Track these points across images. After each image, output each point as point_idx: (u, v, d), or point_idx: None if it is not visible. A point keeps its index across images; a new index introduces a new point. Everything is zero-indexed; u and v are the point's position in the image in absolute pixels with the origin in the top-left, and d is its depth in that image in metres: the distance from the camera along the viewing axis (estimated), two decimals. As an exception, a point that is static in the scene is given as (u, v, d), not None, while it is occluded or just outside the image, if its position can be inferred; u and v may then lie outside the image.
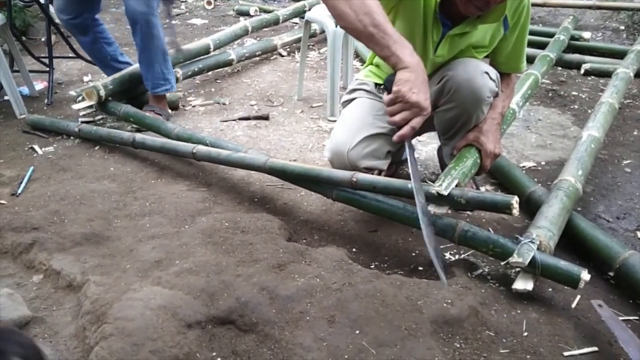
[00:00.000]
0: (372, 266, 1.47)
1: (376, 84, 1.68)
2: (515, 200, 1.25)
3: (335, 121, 2.46)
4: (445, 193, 1.30)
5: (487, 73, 1.44)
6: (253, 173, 1.94)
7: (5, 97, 2.65)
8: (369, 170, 1.55)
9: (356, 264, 1.40)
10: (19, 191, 1.83)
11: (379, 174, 1.90)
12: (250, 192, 1.88)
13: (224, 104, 2.74)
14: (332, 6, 1.23)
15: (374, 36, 1.17)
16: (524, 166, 2.03)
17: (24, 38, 3.47)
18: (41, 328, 1.23)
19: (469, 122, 1.50)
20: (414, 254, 1.52)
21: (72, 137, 2.31)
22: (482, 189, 1.86)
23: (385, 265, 1.48)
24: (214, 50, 3.01)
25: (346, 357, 1.08)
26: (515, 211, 1.26)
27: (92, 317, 1.19)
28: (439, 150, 1.92)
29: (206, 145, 1.92)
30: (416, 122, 1.18)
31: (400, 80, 1.16)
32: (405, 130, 1.19)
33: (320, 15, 2.44)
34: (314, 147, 2.26)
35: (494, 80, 1.46)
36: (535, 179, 1.83)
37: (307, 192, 1.83)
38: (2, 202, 1.77)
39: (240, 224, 1.62)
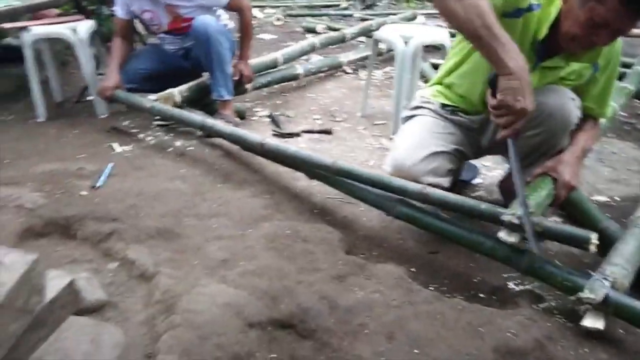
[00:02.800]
0: (431, 288, 1.46)
1: (443, 105, 1.69)
2: (595, 237, 1.22)
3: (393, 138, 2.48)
4: (518, 222, 1.27)
5: (574, 100, 1.43)
6: (315, 184, 1.98)
7: (89, 98, 2.87)
8: (431, 185, 1.54)
9: (416, 283, 1.39)
10: (99, 184, 1.97)
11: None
12: (311, 203, 1.91)
13: (288, 116, 2.83)
14: (443, 6, 1.24)
15: (482, 38, 1.18)
16: (596, 200, 1.95)
17: (108, 44, 3.74)
18: (114, 313, 1.31)
19: (552, 148, 1.49)
20: (475, 280, 1.49)
21: (147, 139, 2.46)
22: (551, 219, 1.80)
23: (445, 288, 1.46)
24: (283, 64, 3.12)
25: (404, 374, 1.08)
26: (593, 247, 1.22)
27: (162, 306, 1.25)
28: (503, 182, 1.89)
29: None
30: (520, 123, 1.23)
31: (504, 88, 1.19)
32: (509, 132, 1.25)
33: (390, 35, 2.48)
34: (376, 164, 2.28)
35: (579, 108, 1.46)
36: (608, 215, 1.75)
37: (366, 208, 1.84)
38: (83, 192, 1.91)
39: (302, 233, 1.65)
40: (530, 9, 1.37)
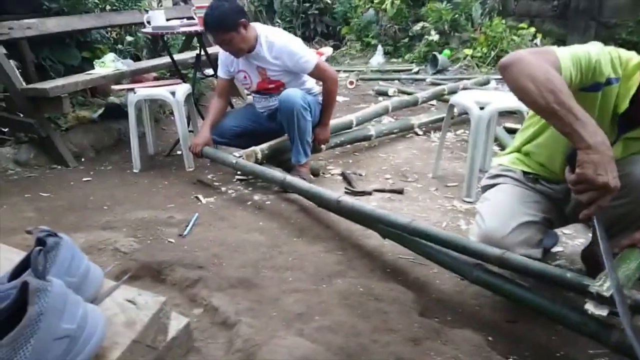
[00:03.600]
0: (511, 359, 1.41)
1: (524, 172, 1.69)
2: None
3: (471, 202, 2.47)
4: (607, 295, 1.22)
5: None
6: (386, 243, 2.01)
7: (179, 152, 3.14)
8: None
9: (495, 352, 1.36)
10: (185, 233, 2.12)
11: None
12: (383, 262, 1.94)
13: (360, 175, 2.91)
14: (514, 80, 1.25)
15: (556, 113, 1.18)
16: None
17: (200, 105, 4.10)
18: (197, 357, 1.37)
19: (635, 223, 1.42)
20: (558, 355, 1.42)
21: (229, 192, 2.63)
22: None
23: (525, 360, 1.41)
24: (356, 125, 3.26)
25: None
26: None
27: (242, 355, 1.31)
28: (586, 251, 1.82)
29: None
30: (604, 201, 1.17)
31: (583, 162, 1.15)
32: (592, 209, 1.19)
33: (466, 101, 2.54)
34: (448, 226, 2.27)
35: None
36: None
37: (440, 270, 1.84)
38: (171, 240, 2.07)
39: (375, 291, 1.68)
40: (609, 82, 1.37)
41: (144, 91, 2.91)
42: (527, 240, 1.50)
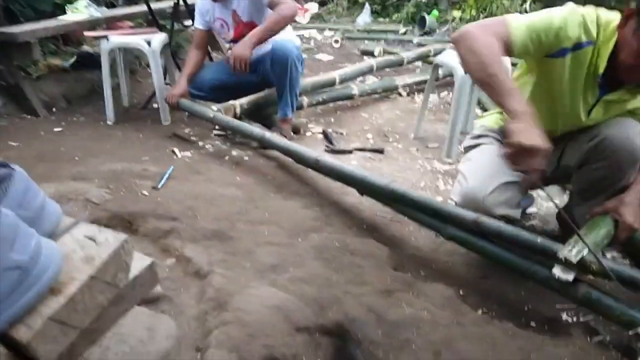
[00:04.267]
0: (480, 312, 1.43)
1: None
2: None
3: (450, 163, 2.47)
4: (574, 261, 1.24)
5: None
6: (364, 200, 2.00)
7: (155, 105, 3.04)
8: (503, 217, 1.49)
9: (465, 305, 1.38)
10: (159, 185, 2.07)
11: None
12: (360, 219, 1.94)
13: (341, 134, 2.88)
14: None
15: (489, 84, 1.28)
16: (659, 238, 1.86)
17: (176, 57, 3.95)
18: (169, 306, 1.36)
19: (617, 183, 1.43)
20: (526, 309, 1.46)
21: (206, 146, 2.58)
22: (608, 255, 1.73)
23: (494, 314, 1.43)
24: (339, 83, 3.20)
25: (451, 393, 1.07)
26: None
27: (214, 303, 1.30)
28: (560, 213, 1.84)
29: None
30: (538, 163, 1.20)
31: (510, 131, 1.21)
32: (533, 176, 1.23)
33: (451, 61, 2.50)
34: (427, 186, 2.27)
35: None
36: (672, 254, 1.67)
37: (415, 228, 1.85)
38: (144, 192, 2.02)
39: (350, 246, 1.68)
40: (579, 46, 1.35)
41: (118, 39, 2.78)
42: (507, 200, 1.50)
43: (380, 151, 2.62)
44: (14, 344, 0.56)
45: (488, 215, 1.46)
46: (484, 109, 3.06)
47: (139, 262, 0.70)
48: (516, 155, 1.20)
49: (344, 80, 3.25)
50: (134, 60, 3.84)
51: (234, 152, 2.51)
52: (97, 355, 1.16)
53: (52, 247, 0.60)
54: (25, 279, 0.55)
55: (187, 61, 2.79)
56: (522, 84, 1.58)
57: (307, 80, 3.03)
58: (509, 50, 1.34)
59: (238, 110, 2.60)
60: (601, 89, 1.41)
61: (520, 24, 1.34)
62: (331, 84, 3.14)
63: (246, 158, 2.44)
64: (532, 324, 1.39)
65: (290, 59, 2.47)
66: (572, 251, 1.27)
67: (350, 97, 3.25)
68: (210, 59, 3.29)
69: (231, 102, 2.62)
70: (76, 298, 0.59)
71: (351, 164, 2.45)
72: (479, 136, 1.74)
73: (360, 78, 3.69)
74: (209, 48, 3.23)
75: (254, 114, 2.74)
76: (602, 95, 1.42)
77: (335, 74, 3.18)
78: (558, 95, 1.44)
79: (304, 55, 2.72)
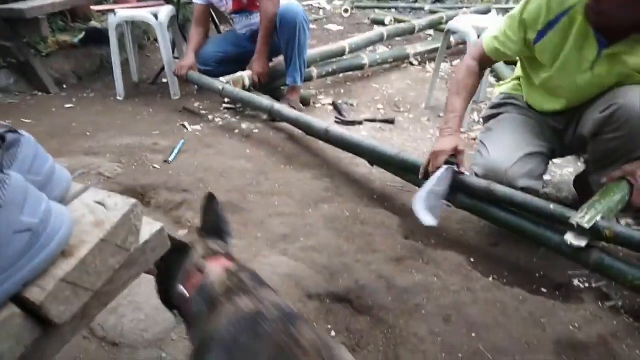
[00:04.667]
0: (491, 279, 1.43)
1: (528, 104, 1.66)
2: None
3: (462, 132, 2.43)
4: (587, 227, 1.22)
5: None
6: (375, 171, 2.00)
7: (164, 80, 3.03)
8: (525, 189, 1.46)
9: (476, 271, 1.38)
10: (171, 159, 2.09)
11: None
12: (371, 189, 1.93)
13: (351, 105, 2.85)
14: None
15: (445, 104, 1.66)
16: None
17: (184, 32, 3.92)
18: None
19: (632, 153, 1.40)
20: (538, 275, 1.45)
21: (216, 120, 2.57)
22: (622, 222, 1.71)
23: (505, 280, 1.44)
24: (349, 53, 3.14)
25: (460, 355, 1.08)
26: None
27: (226, 272, 1.32)
28: (578, 181, 1.82)
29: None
30: (441, 161, 1.49)
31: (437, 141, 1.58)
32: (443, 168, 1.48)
33: (464, 26, 2.43)
34: (438, 156, 2.25)
35: None
36: (689, 220, 1.64)
37: (427, 197, 1.84)
38: (156, 165, 2.03)
39: (361, 216, 1.68)
40: (555, 21, 1.39)
41: (125, 12, 2.75)
42: (530, 172, 1.48)
43: (391, 121, 2.59)
44: (28, 305, 0.57)
45: (510, 187, 1.45)
46: (498, 78, 2.99)
47: (148, 227, 0.71)
48: (432, 156, 1.51)
49: (354, 49, 3.19)
50: (142, 35, 3.82)
51: (244, 125, 2.50)
52: (113, 322, 1.19)
53: (62, 211, 0.61)
54: (36, 242, 0.56)
55: (190, 36, 2.78)
56: (525, 79, 1.64)
57: (315, 50, 2.98)
58: (489, 60, 1.61)
59: (247, 82, 2.58)
60: (600, 44, 1.38)
61: (490, 36, 1.57)
62: (341, 53, 3.09)
63: (256, 131, 2.44)
64: (543, 290, 1.39)
65: (299, 21, 2.45)
66: (585, 217, 1.25)
67: (360, 67, 3.19)
68: (219, 31, 3.25)
69: (240, 73, 2.60)
70: (87, 260, 0.60)
71: (361, 135, 2.43)
72: (499, 105, 1.71)
73: (371, 48, 3.63)
74: (217, 20, 3.20)
75: (262, 88, 2.71)
76: (602, 49, 1.38)
77: (345, 44, 3.12)
78: (561, 67, 1.44)
79: (313, 26, 2.67)
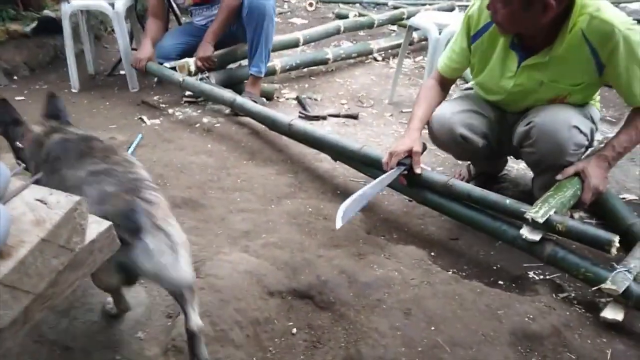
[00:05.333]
0: (451, 272, 1.46)
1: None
2: (616, 239, 1.21)
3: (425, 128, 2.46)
4: (541, 221, 1.27)
5: (576, 127, 1.42)
6: (338, 167, 2.00)
7: (122, 72, 2.93)
8: (464, 139, 1.58)
9: (435, 266, 1.40)
10: (129, 153, 2.02)
11: (468, 180, 1.90)
12: (334, 185, 1.93)
13: (315, 99, 2.84)
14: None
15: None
16: (624, 198, 1.91)
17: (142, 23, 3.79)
18: (139, 274, 1.35)
19: (554, 166, 1.47)
20: (495, 268, 1.49)
21: (176, 114, 2.51)
22: (576, 215, 1.78)
23: (464, 273, 1.46)
24: (303, 44, 3.12)
25: (420, 349, 1.09)
26: (614, 250, 1.23)
27: (185, 270, 1.28)
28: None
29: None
30: (395, 160, 1.55)
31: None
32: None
33: (425, 22, 2.46)
34: (400, 151, 2.27)
35: (584, 134, 1.44)
36: (636, 213, 1.71)
37: (389, 192, 1.85)
38: (113, 161, 1.96)
39: (323, 211, 1.67)
40: (482, 31, 1.53)
41: (79, 1, 2.64)
42: (471, 125, 1.60)
43: (354, 117, 2.59)
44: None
45: (451, 135, 1.58)
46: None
47: (95, 226, 0.67)
48: (387, 157, 1.57)
49: (309, 41, 3.17)
50: (98, 25, 3.68)
51: (205, 119, 2.45)
52: (64, 325, 1.14)
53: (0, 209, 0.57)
54: (-32, 243, 0.52)
55: (147, 28, 2.69)
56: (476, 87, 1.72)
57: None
58: (444, 78, 1.70)
59: (192, 68, 2.52)
60: (519, 56, 1.48)
61: (442, 57, 1.70)
62: (295, 44, 3.07)
63: (218, 125, 2.39)
64: (500, 282, 1.42)
65: (268, 11, 2.42)
66: (539, 212, 1.30)
67: (324, 61, 3.18)
68: (179, 22, 3.16)
69: (185, 59, 2.53)
70: (27, 261, 0.57)
71: (325, 130, 2.42)
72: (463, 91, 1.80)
73: (335, 42, 3.62)
74: (177, 12, 3.11)
75: (224, 82, 2.66)
76: (521, 60, 1.48)
77: (299, 34, 3.09)
78: (489, 73, 1.56)
79: (278, 19, 2.64)
